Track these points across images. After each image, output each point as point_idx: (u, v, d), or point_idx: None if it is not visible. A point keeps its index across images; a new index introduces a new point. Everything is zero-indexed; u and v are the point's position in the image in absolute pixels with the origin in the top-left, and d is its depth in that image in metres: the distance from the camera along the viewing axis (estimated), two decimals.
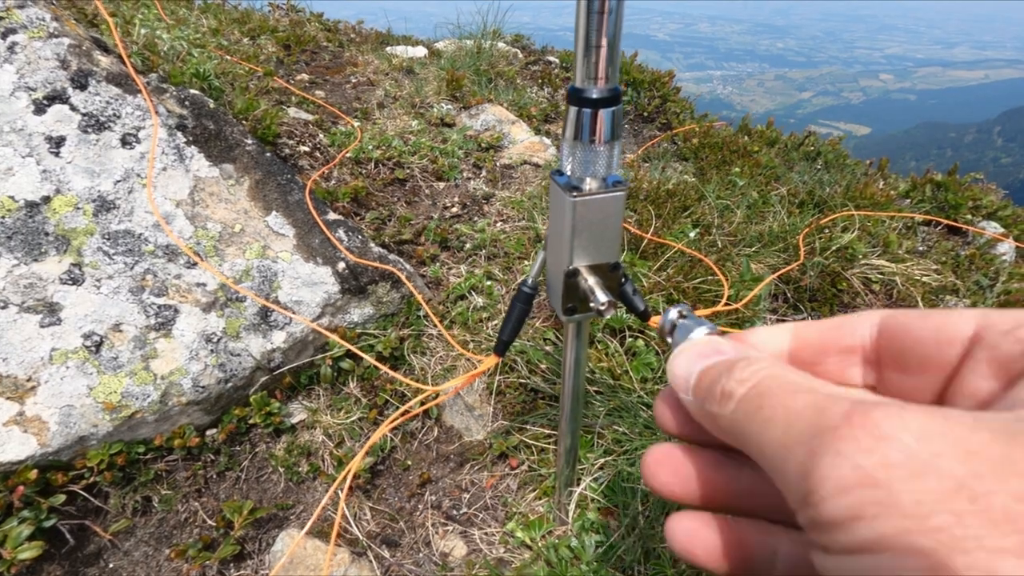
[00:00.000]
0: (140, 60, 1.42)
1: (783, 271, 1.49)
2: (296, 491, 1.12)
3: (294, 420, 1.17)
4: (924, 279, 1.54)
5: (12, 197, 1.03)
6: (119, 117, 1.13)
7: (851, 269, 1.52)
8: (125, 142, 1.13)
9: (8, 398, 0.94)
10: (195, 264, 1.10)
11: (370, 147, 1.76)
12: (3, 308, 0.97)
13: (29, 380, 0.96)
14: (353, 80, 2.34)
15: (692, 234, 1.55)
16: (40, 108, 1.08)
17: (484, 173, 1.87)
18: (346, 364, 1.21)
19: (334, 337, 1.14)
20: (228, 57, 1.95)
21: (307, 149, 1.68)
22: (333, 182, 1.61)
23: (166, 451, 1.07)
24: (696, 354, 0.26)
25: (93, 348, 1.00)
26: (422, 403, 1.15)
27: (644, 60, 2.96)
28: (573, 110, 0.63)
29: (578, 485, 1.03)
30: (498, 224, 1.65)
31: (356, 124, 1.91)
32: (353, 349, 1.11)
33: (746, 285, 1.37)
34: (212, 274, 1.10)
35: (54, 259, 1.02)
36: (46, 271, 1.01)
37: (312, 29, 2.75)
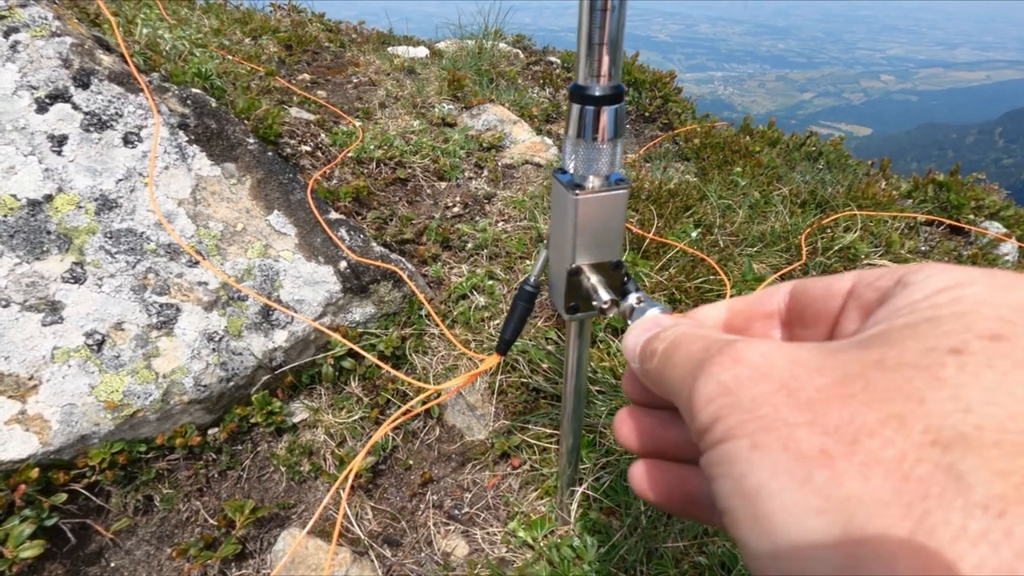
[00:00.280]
0: (142, 59, 1.42)
1: (785, 271, 1.49)
2: (298, 490, 1.12)
3: (296, 419, 1.17)
4: None
5: (14, 196, 1.03)
6: (121, 116, 1.14)
7: (853, 269, 1.52)
8: (127, 141, 1.13)
9: (10, 397, 0.94)
10: (197, 263, 1.10)
11: (372, 147, 1.76)
12: (5, 307, 0.97)
13: (31, 379, 0.96)
14: (355, 80, 2.35)
15: (694, 234, 1.55)
16: (42, 107, 1.08)
17: (486, 173, 1.87)
18: (348, 363, 1.21)
19: (336, 336, 1.14)
20: (230, 57, 1.96)
21: (309, 149, 1.68)
22: (335, 181, 1.61)
23: (168, 450, 1.07)
24: (641, 328, 0.31)
25: (95, 347, 1.00)
26: (424, 402, 1.15)
27: (645, 61, 2.96)
28: (576, 108, 0.63)
29: (580, 485, 1.03)
30: (500, 224, 1.65)
31: (358, 124, 1.91)
32: (355, 348, 1.11)
33: (748, 285, 1.37)
34: (214, 273, 1.10)
35: (56, 258, 1.02)
36: (48, 270, 1.01)
37: (314, 29, 2.75)
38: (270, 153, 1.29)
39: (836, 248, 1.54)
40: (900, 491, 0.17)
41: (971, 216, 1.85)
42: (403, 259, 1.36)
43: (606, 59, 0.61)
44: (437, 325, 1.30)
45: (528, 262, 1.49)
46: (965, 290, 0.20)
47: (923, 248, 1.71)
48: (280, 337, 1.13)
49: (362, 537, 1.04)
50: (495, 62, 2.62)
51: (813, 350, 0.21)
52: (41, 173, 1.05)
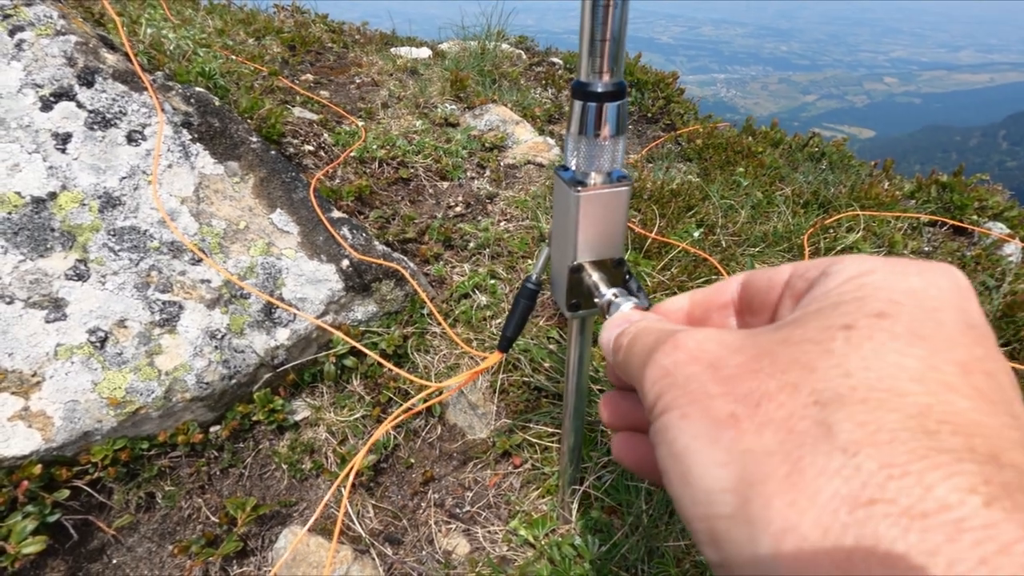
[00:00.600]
0: (146, 59, 1.42)
1: None
2: (299, 488, 1.12)
3: (297, 417, 1.17)
4: None
5: (19, 193, 1.03)
6: (125, 114, 1.14)
7: None
8: (131, 139, 1.13)
9: (13, 393, 0.94)
10: (200, 261, 1.10)
11: (374, 146, 1.77)
12: (9, 303, 0.98)
13: (34, 375, 0.96)
14: (358, 80, 2.35)
15: (696, 234, 1.55)
16: (47, 105, 1.09)
17: (488, 173, 1.88)
18: (349, 361, 1.21)
19: (338, 334, 1.14)
20: (233, 57, 1.96)
21: (311, 148, 1.69)
22: (337, 181, 1.62)
23: (170, 447, 1.07)
24: (612, 325, 0.34)
25: (98, 344, 1.00)
26: (425, 400, 1.15)
27: (648, 63, 2.96)
28: (578, 104, 0.63)
29: (581, 484, 1.02)
30: (502, 223, 1.65)
31: (360, 124, 1.92)
32: (357, 346, 1.11)
33: None
34: (217, 271, 1.11)
35: (60, 255, 1.03)
36: (52, 267, 1.02)
37: (317, 30, 2.76)
38: (273, 152, 1.29)
39: (839, 248, 1.53)
40: (784, 442, 0.20)
41: (974, 217, 1.84)
42: (405, 258, 1.36)
43: (608, 56, 0.61)
44: (439, 324, 1.30)
45: (530, 261, 1.49)
46: (867, 278, 0.23)
47: (926, 249, 1.71)
48: (282, 335, 1.14)
49: (363, 535, 1.04)
50: (498, 63, 2.62)
51: (739, 335, 0.25)
52: (45, 171, 1.05)
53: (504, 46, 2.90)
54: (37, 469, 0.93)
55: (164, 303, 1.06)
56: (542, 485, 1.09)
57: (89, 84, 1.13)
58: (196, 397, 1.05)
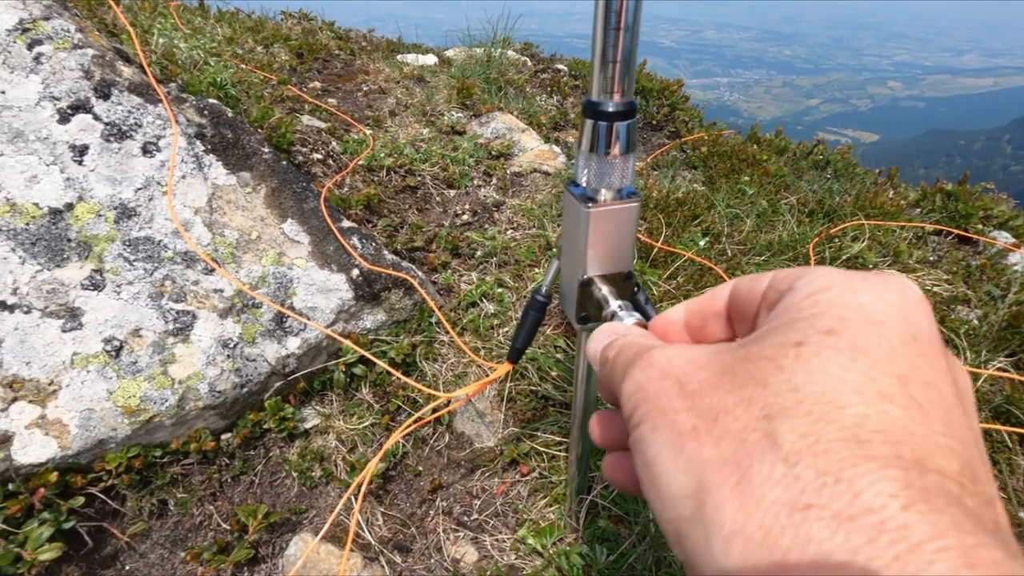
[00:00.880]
0: (159, 69, 1.45)
1: None
2: (309, 496, 1.13)
3: (307, 425, 1.18)
4: (935, 289, 1.53)
5: (36, 204, 1.05)
6: (140, 126, 1.16)
7: None
8: (146, 151, 1.15)
9: (31, 401, 0.96)
10: (213, 271, 1.12)
11: (382, 155, 1.78)
12: (27, 313, 0.99)
13: (51, 384, 0.97)
14: (365, 88, 2.37)
15: (702, 243, 1.56)
16: (64, 117, 1.11)
17: (494, 181, 1.89)
18: (359, 370, 1.22)
19: (347, 343, 1.15)
20: (243, 66, 1.99)
21: (320, 156, 1.70)
22: (346, 189, 1.64)
23: (182, 455, 1.09)
24: (600, 337, 0.36)
25: (113, 353, 1.02)
26: (434, 410, 1.16)
27: (651, 67, 2.97)
28: (589, 123, 0.64)
29: (589, 492, 1.03)
30: (509, 232, 1.67)
31: (368, 132, 1.94)
32: (366, 355, 1.12)
33: None
34: (229, 280, 1.12)
35: (76, 265, 1.04)
36: (68, 277, 1.03)
37: (324, 37, 2.79)
38: (284, 162, 1.31)
39: (844, 257, 1.54)
40: (736, 452, 0.22)
41: (979, 226, 1.85)
42: (414, 267, 1.37)
43: (619, 76, 0.62)
44: (447, 332, 1.31)
45: (537, 270, 1.50)
46: (823, 295, 0.24)
47: (931, 258, 1.72)
48: (293, 344, 1.15)
49: (372, 543, 1.05)
50: (503, 70, 2.64)
51: (708, 351, 0.27)
52: (63, 182, 1.07)
53: (510, 53, 2.92)
54: (53, 476, 0.94)
55: (178, 312, 1.07)
56: (550, 494, 1.10)
57: (105, 97, 1.15)
58: (208, 405, 1.07)
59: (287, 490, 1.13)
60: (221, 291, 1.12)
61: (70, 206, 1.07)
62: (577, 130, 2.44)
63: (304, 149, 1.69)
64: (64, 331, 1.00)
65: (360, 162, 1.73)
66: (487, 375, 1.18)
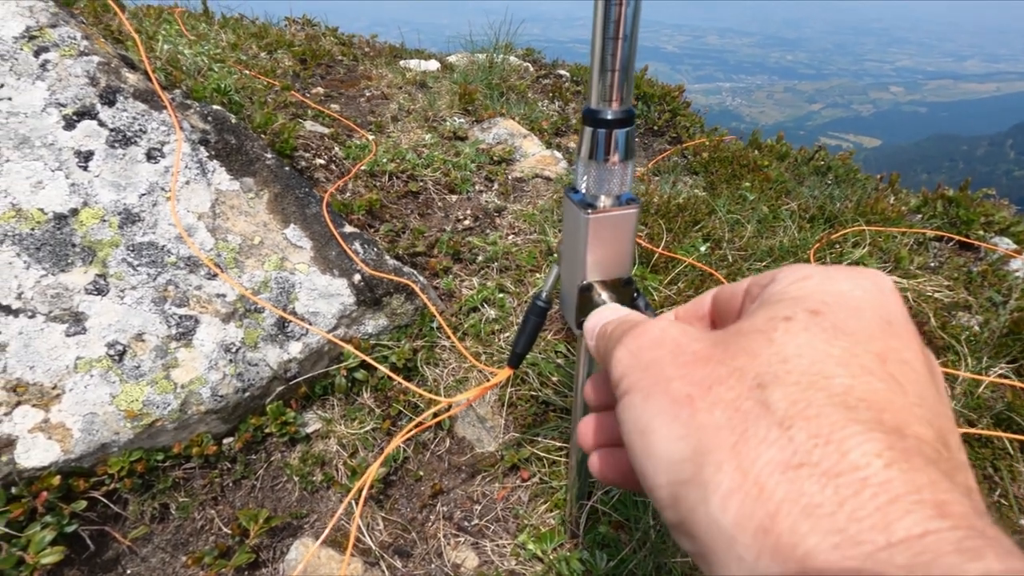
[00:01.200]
0: (164, 76, 1.46)
1: None
2: (310, 500, 1.13)
3: (309, 430, 1.19)
4: (936, 295, 1.53)
5: (42, 209, 1.06)
6: (145, 132, 1.17)
7: None
8: (150, 156, 1.16)
9: (34, 405, 0.97)
10: (215, 275, 1.13)
11: (384, 160, 1.80)
12: (31, 317, 1.00)
13: (54, 388, 0.98)
14: (367, 94, 2.39)
15: (703, 248, 1.56)
16: (70, 123, 1.12)
17: (496, 186, 1.90)
18: (360, 375, 1.23)
19: (349, 348, 1.16)
20: (247, 72, 2.00)
21: (323, 162, 1.71)
22: (348, 194, 1.64)
23: (184, 459, 1.09)
24: (600, 316, 0.39)
25: (116, 357, 1.02)
26: (435, 415, 1.17)
27: (653, 72, 2.98)
28: (588, 130, 0.65)
29: (589, 498, 1.03)
30: (510, 237, 1.67)
31: (371, 137, 1.95)
32: (368, 359, 1.13)
33: None
34: (232, 285, 1.13)
35: (80, 270, 1.05)
36: (72, 281, 1.04)
37: (327, 43, 2.81)
38: (287, 168, 1.32)
39: (845, 263, 1.54)
40: (731, 418, 0.23)
41: (981, 232, 1.85)
42: (415, 272, 1.38)
43: (617, 84, 0.63)
44: (448, 338, 1.32)
45: (538, 275, 1.50)
46: (806, 282, 0.27)
47: (932, 264, 1.72)
48: (295, 348, 1.16)
49: (373, 548, 1.05)
50: (505, 75, 2.65)
51: (697, 331, 0.29)
52: (67, 188, 1.08)
53: (512, 58, 2.93)
54: (56, 480, 0.94)
55: (181, 317, 1.08)
56: (550, 499, 1.11)
57: (111, 103, 1.16)
58: (211, 410, 1.07)
59: (288, 494, 1.13)
60: (224, 296, 1.12)
61: (75, 211, 1.08)
62: (578, 136, 2.45)
63: (307, 154, 1.70)
64: (68, 335, 1.01)
65: (362, 167, 1.74)
66: (488, 380, 1.18)
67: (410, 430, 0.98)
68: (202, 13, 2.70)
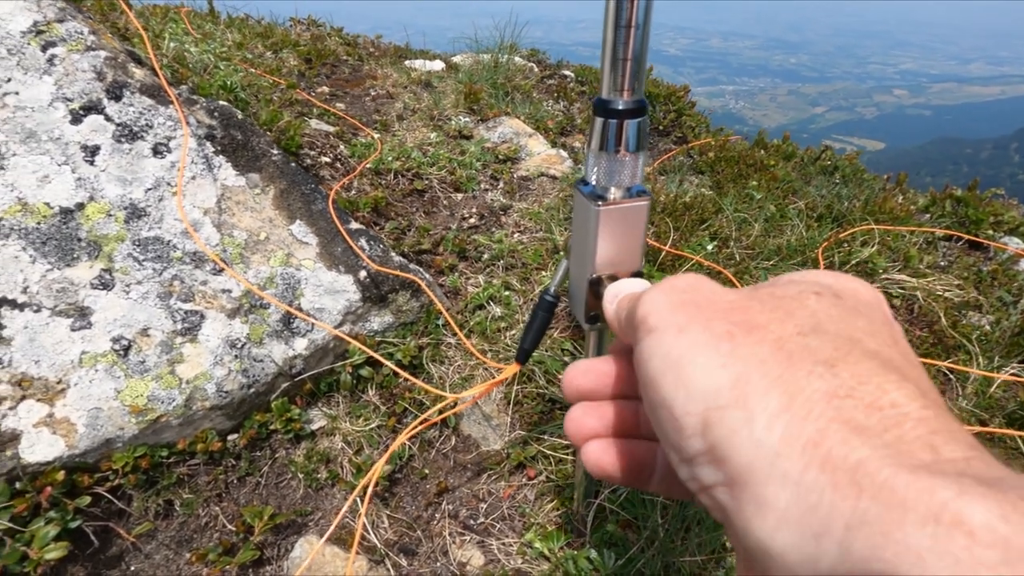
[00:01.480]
0: (170, 72, 1.46)
1: None
2: (315, 497, 1.12)
3: (314, 426, 1.18)
4: (946, 294, 1.52)
5: (48, 204, 1.06)
6: (151, 127, 1.17)
7: (871, 283, 1.51)
8: (156, 151, 1.16)
9: (39, 400, 0.96)
10: (221, 271, 1.12)
11: (390, 158, 1.79)
12: (36, 312, 1.00)
13: (59, 382, 0.98)
14: (372, 93, 2.39)
15: (710, 247, 1.55)
16: (76, 118, 1.12)
17: (501, 185, 1.89)
18: (365, 371, 1.22)
19: (355, 343, 1.15)
20: (252, 70, 2.00)
21: (328, 160, 1.71)
22: (354, 192, 1.64)
23: (188, 455, 1.08)
24: (626, 283, 0.42)
25: (121, 352, 1.02)
26: (441, 412, 1.16)
27: (656, 75, 2.98)
28: (599, 121, 0.64)
29: (596, 496, 1.02)
30: (516, 235, 1.66)
31: (376, 136, 1.95)
32: (374, 355, 1.12)
33: None
34: (237, 281, 1.12)
35: (86, 264, 1.05)
36: (78, 276, 1.04)
37: (332, 43, 2.81)
38: (293, 164, 1.32)
39: (854, 262, 1.53)
40: (776, 354, 0.25)
41: (990, 232, 1.83)
42: (421, 269, 1.37)
43: (629, 74, 0.62)
44: (454, 335, 1.31)
45: (544, 273, 1.50)
46: (822, 276, 0.31)
47: (942, 263, 1.70)
48: (300, 345, 1.15)
49: (378, 545, 1.04)
50: (510, 75, 2.65)
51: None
52: (74, 182, 1.08)
53: (516, 59, 2.93)
54: (60, 475, 0.94)
55: (186, 312, 1.08)
56: (557, 497, 1.09)
57: (117, 98, 1.16)
58: (215, 406, 1.07)
59: (293, 491, 1.12)
60: (229, 291, 1.12)
61: (81, 206, 1.07)
62: (584, 135, 2.45)
63: (312, 152, 1.70)
64: (73, 330, 1.01)
65: (368, 165, 1.73)
66: (494, 377, 1.17)
67: (415, 426, 0.97)
68: (208, 12, 2.70)
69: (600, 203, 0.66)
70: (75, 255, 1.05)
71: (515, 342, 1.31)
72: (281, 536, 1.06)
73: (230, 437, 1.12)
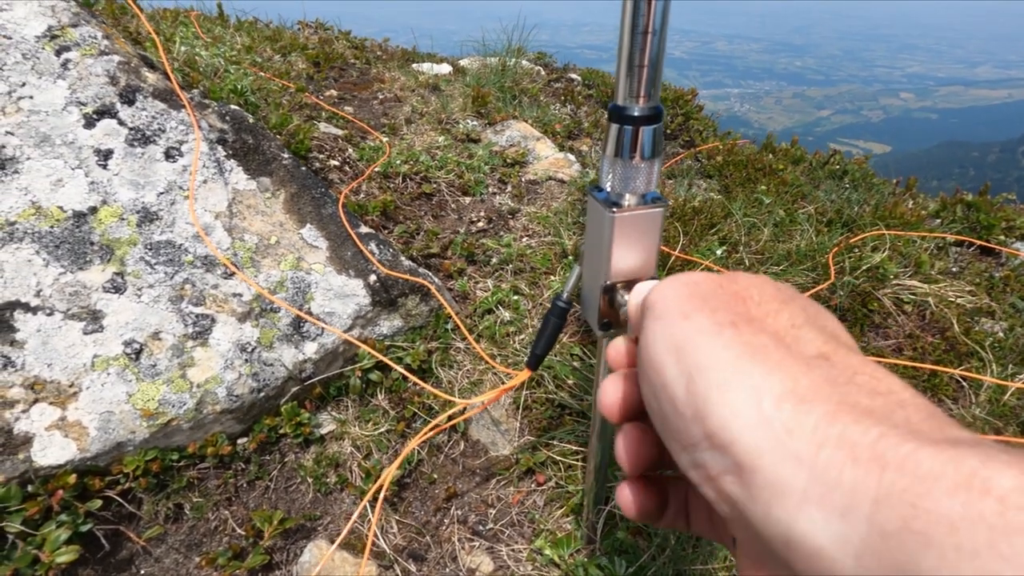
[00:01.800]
0: (181, 76, 1.46)
1: (813, 290, 1.47)
2: (324, 502, 1.12)
3: (323, 431, 1.18)
4: (958, 301, 1.51)
5: (61, 207, 1.06)
6: (164, 131, 1.17)
7: (882, 289, 1.50)
8: (169, 155, 1.16)
9: (51, 403, 0.96)
10: (232, 275, 1.12)
11: (398, 162, 1.79)
12: (49, 315, 1.00)
13: (71, 386, 0.98)
14: (380, 96, 2.39)
15: (719, 252, 1.54)
16: (90, 122, 1.12)
17: (510, 188, 1.89)
18: (375, 376, 1.22)
19: (365, 348, 1.15)
20: (262, 73, 2.01)
21: (337, 163, 1.71)
22: (362, 195, 1.64)
23: (198, 459, 1.09)
24: (650, 284, 0.41)
25: (133, 355, 1.02)
26: (450, 417, 1.16)
27: (664, 79, 2.97)
28: (614, 127, 0.64)
29: (607, 503, 1.02)
30: (524, 239, 1.66)
31: (384, 139, 1.95)
32: (384, 359, 1.12)
33: None
34: (248, 285, 1.13)
35: (98, 268, 1.05)
36: (90, 279, 1.04)
37: (340, 47, 2.82)
38: (303, 168, 1.32)
39: (864, 267, 1.52)
40: (777, 344, 0.26)
41: (1002, 237, 1.82)
42: (430, 273, 1.37)
43: (645, 80, 0.62)
44: (464, 339, 1.31)
45: (553, 278, 1.49)
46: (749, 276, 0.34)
47: (953, 269, 1.69)
48: (310, 349, 1.15)
49: (387, 551, 1.04)
50: (518, 79, 2.65)
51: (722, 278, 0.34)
52: (87, 186, 1.08)
53: (524, 62, 2.93)
54: (72, 479, 0.94)
55: (197, 316, 1.08)
56: (566, 504, 1.09)
57: (130, 102, 1.16)
58: (226, 409, 1.07)
59: (302, 496, 1.12)
60: (240, 295, 1.12)
61: (94, 209, 1.08)
62: (591, 139, 2.44)
63: (321, 156, 1.70)
64: (85, 333, 1.01)
65: (376, 169, 1.74)
66: (503, 382, 1.17)
67: (426, 432, 0.97)
68: (217, 16, 2.72)
69: (615, 210, 0.66)
70: (88, 259, 1.05)
71: (524, 346, 1.31)
72: (290, 540, 1.06)
73: (240, 441, 1.12)
